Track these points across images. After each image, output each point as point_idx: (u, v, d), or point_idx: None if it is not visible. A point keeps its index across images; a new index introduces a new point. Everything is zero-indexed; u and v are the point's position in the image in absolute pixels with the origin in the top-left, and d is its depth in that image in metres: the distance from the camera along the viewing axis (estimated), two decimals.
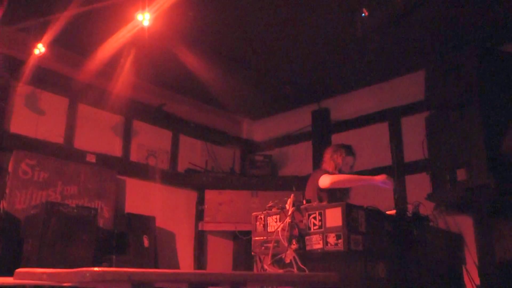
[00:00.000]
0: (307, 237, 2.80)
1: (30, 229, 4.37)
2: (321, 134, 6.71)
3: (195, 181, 6.50)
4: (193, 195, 6.56)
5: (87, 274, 1.33)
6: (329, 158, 4.12)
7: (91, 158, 5.51)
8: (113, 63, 5.19)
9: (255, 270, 3.14)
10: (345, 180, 3.83)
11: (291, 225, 2.86)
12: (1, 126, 4.88)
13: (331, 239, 2.67)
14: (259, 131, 7.64)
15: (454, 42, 4.94)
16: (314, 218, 2.78)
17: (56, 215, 4.31)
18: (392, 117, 6.00)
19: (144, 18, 4.07)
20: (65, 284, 3.14)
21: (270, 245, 2.89)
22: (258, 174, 6.62)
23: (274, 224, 3.00)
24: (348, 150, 4.15)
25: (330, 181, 3.68)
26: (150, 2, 4.03)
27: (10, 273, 3.27)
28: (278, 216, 3.02)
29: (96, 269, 1.36)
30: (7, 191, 4.69)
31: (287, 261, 2.76)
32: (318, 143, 6.70)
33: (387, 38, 5.02)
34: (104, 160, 5.63)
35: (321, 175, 3.84)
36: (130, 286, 1.58)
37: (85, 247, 4.43)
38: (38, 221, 4.26)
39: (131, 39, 4.50)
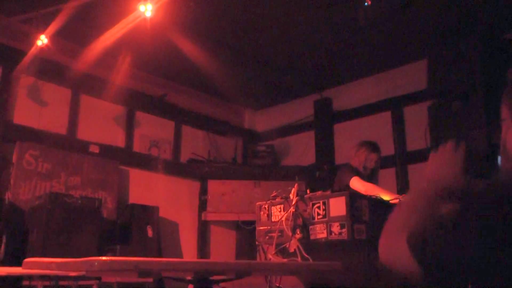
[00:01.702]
0: (311, 227, 2.81)
1: (35, 220, 4.39)
2: (323, 123, 6.71)
3: (197, 171, 6.52)
4: (195, 185, 6.58)
5: (96, 263, 1.34)
6: (353, 154, 4.16)
7: (94, 149, 5.53)
8: (115, 54, 5.19)
9: (258, 260, 3.16)
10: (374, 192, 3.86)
11: (295, 215, 2.87)
12: (5, 117, 4.90)
13: (335, 228, 2.69)
14: (261, 121, 7.64)
15: (457, 31, 4.91)
16: (318, 207, 2.80)
17: (60, 206, 4.34)
18: (394, 106, 5.99)
19: (146, 9, 4.07)
20: (71, 274, 3.17)
21: (274, 234, 2.91)
22: (261, 164, 6.64)
23: (278, 213, 3.01)
24: (373, 146, 4.17)
25: (363, 190, 3.68)
26: None
27: (15, 263, 3.31)
28: (282, 206, 3.03)
29: (104, 258, 1.37)
30: (11, 182, 4.71)
31: (291, 250, 2.78)
32: (320, 133, 6.71)
33: (389, 27, 5.00)
34: (107, 151, 5.65)
35: (351, 175, 3.90)
36: (136, 275, 1.60)
37: (89, 237, 4.47)
38: (43, 212, 4.29)
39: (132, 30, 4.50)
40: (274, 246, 2.88)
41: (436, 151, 1.36)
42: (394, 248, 1.13)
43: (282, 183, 3.48)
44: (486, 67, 4.37)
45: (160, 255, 5.50)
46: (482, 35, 4.61)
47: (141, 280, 4.65)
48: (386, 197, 3.31)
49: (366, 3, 4.02)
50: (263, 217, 3.12)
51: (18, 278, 3.92)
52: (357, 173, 4.02)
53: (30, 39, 4.72)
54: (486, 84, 4.30)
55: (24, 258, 1.82)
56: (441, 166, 1.31)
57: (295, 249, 2.76)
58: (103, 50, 4.86)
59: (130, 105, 6.08)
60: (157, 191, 6.03)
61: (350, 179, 3.89)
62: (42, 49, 4.72)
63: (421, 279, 1.07)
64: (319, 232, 2.75)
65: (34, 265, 1.69)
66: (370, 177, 4.09)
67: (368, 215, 2.78)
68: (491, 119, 4.21)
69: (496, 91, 4.28)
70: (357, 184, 3.84)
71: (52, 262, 1.57)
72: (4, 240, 4.25)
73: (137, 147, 6.11)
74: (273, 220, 3.05)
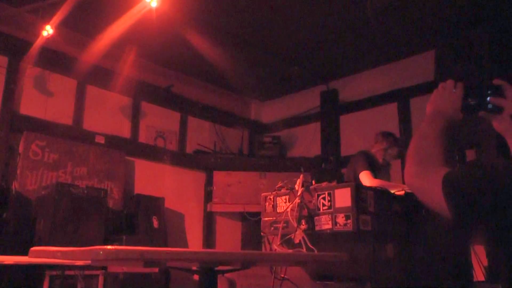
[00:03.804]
0: (316, 218, 2.80)
1: (42, 210, 4.42)
2: (329, 115, 6.70)
3: (203, 162, 6.53)
4: (201, 176, 6.59)
5: (101, 252, 1.34)
6: (375, 142, 4.16)
7: (100, 139, 5.54)
8: (121, 44, 5.18)
9: (263, 251, 3.16)
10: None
11: (301, 206, 2.86)
12: (11, 107, 4.92)
13: (340, 219, 2.68)
14: (268, 112, 7.63)
15: (465, 21, 4.87)
16: (323, 198, 2.79)
17: (66, 196, 4.36)
18: (401, 98, 5.97)
19: (152, 0, 4.06)
20: (77, 263, 3.18)
21: (280, 225, 2.91)
22: (266, 155, 6.64)
23: (284, 204, 3.01)
24: (396, 141, 4.19)
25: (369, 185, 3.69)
26: None
27: (23, 252, 3.33)
28: (287, 197, 3.02)
29: (109, 247, 1.37)
30: (18, 172, 4.74)
31: (296, 241, 2.77)
32: (326, 124, 6.70)
33: (397, 18, 4.96)
34: (113, 142, 5.66)
35: (363, 168, 3.90)
36: (142, 265, 1.60)
37: (96, 227, 4.49)
38: (49, 202, 4.31)
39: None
40: (279, 237, 2.88)
41: (437, 88, 1.45)
42: (426, 184, 1.21)
43: (288, 174, 3.47)
44: (495, 58, 4.33)
45: (165, 246, 5.53)
46: (490, 25, 4.57)
47: (147, 270, 4.68)
48: (392, 190, 3.30)
49: None
50: (269, 208, 3.12)
51: (25, 267, 3.95)
52: (371, 164, 4.00)
53: (36, 30, 4.72)
54: (495, 75, 4.27)
55: (31, 247, 1.83)
56: (442, 101, 1.40)
57: (300, 240, 2.75)
58: (109, 41, 4.87)
59: (136, 96, 6.08)
60: (162, 182, 6.05)
61: (360, 172, 3.90)
62: (48, 40, 4.73)
63: (450, 215, 1.12)
64: (324, 223, 2.75)
65: (40, 254, 1.70)
66: (386, 168, 4.09)
67: (374, 206, 2.78)
68: None
69: (505, 82, 4.24)
70: (365, 179, 3.84)
71: (58, 251, 1.58)
72: (11, 229, 4.28)
73: (143, 138, 6.12)
74: (278, 211, 3.05)
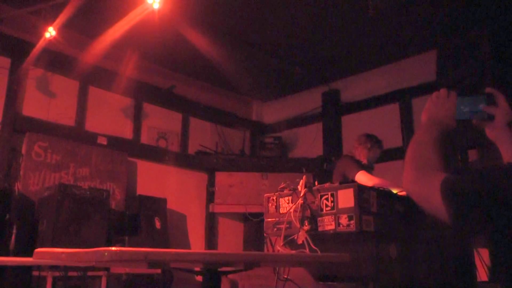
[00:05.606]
0: (319, 218, 2.81)
1: (44, 211, 4.43)
2: (331, 115, 6.69)
3: (205, 163, 6.52)
4: (203, 177, 6.59)
5: (105, 254, 1.35)
6: (357, 145, 4.20)
7: (102, 141, 5.55)
8: (123, 46, 5.19)
9: (265, 252, 3.16)
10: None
11: (303, 206, 2.87)
12: (14, 108, 4.92)
13: (343, 220, 2.68)
14: (269, 112, 7.63)
15: (467, 20, 4.86)
16: (326, 199, 2.79)
17: (69, 197, 4.36)
18: (403, 98, 5.96)
19: (154, 1, 4.07)
20: (80, 264, 3.19)
21: (283, 226, 2.91)
22: (268, 155, 6.63)
23: (286, 205, 3.01)
24: (379, 143, 4.23)
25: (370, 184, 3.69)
26: None
27: (25, 254, 3.34)
28: (290, 198, 3.03)
29: (113, 248, 1.38)
30: (21, 173, 4.74)
31: (299, 242, 2.78)
32: (328, 124, 6.69)
33: (398, 18, 4.96)
34: (115, 143, 5.67)
35: (357, 169, 3.91)
36: (146, 266, 1.60)
37: (98, 228, 4.49)
38: (52, 203, 4.32)
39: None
40: (282, 237, 2.88)
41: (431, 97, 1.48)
42: (424, 189, 1.22)
43: (290, 175, 3.47)
44: (497, 58, 4.33)
45: (168, 247, 5.53)
46: (492, 24, 4.56)
47: (150, 271, 4.68)
48: (394, 189, 3.30)
49: None
50: (271, 208, 3.12)
51: (28, 268, 3.96)
52: (361, 166, 4.02)
53: (38, 31, 4.73)
54: (497, 74, 4.27)
55: (34, 248, 1.83)
56: (436, 109, 1.44)
57: (303, 241, 2.76)
58: (111, 42, 4.86)
59: (138, 97, 6.09)
60: (165, 183, 6.05)
61: (355, 174, 3.88)
62: (50, 41, 4.73)
63: (450, 220, 1.12)
64: (327, 224, 2.75)
65: (45, 255, 1.70)
66: (370, 170, 4.10)
67: (376, 207, 2.78)
68: None
69: (507, 83, 4.24)
70: (364, 178, 3.82)
71: (62, 253, 1.58)
72: (14, 231, 4.28)
73: (145, 139, 6.12)
74: (281, 211, 3.05)
